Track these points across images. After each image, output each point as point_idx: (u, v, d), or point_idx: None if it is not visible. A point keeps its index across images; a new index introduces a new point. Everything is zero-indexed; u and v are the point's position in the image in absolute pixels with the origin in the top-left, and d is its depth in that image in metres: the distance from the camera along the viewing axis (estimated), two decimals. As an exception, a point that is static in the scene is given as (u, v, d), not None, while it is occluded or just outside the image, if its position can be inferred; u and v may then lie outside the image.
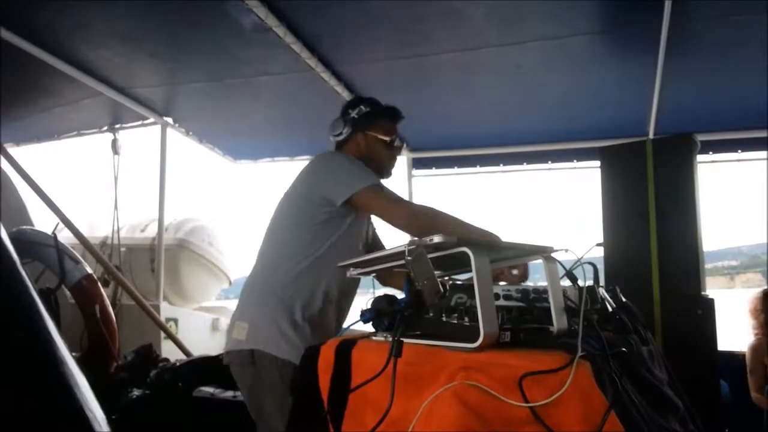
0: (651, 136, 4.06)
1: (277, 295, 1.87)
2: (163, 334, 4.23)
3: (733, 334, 3.94)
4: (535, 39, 3.01)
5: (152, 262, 4.95)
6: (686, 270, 3.09)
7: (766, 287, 3.62)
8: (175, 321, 4.71)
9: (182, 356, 3.96)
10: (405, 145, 4.81)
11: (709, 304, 2.99)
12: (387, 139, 2.11)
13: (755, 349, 3.52)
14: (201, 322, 5.22)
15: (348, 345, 1.38)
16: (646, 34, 2.87)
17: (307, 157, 5.12)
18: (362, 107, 2.12)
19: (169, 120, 4.36)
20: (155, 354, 3.42)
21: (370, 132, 2.09)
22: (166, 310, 4.62)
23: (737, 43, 3.00)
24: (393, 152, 2.16)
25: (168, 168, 4.53)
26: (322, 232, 1.90)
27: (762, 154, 4.33)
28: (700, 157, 3.38)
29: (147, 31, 2.98)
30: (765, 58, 3.13)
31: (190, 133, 4.60)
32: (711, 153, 4.37)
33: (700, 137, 3.33)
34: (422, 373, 1.18)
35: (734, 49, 3.07)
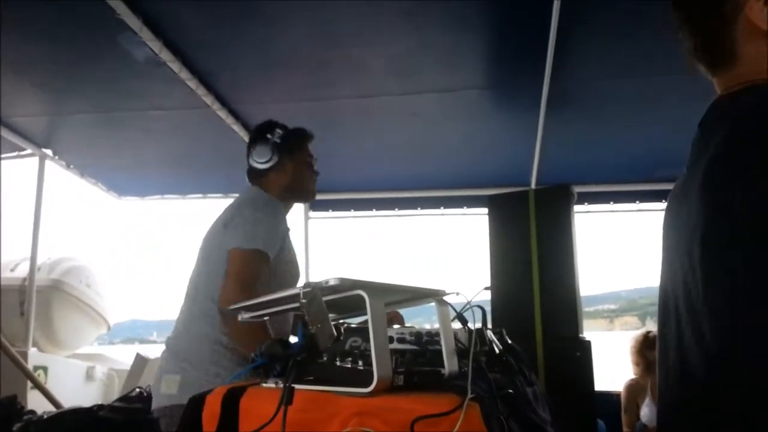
0: (533, 186, 4.33)
1: (209, 342, 1.80)
2: (30, 384, 3.85)
3: (612, 374, 4.20)
4: (430, 90, 3.15)
5: (22, 305, 4.52)
6: (565, 313, 3.28)
7: (645, 329, 3.90)
8: (45, 369, 4.31)
9: (51, 408, 3.62)
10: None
11: (587, 346, 3.18)
12: (310, 159, 2.13)
13: (630, 388, 3.76)
14: (74, 371, 4.81)
15: (236, 393, 1.32)
16: (529, 91, 3.08)
17: (199, 195, 4.97)
18: (278, 129, 2.08)
19: (48, 152, 4.08)
20: (20, 406, 3.11)
21: (295, 155, 2.08)
22: (34, 357, 4.22)
23: (611, 102, 3.29)
24: (315, 173, 2.18)
25: (47, 203, 4.22)
26: None
27: (632, 206, 4.74)
28: (577, 207, 3.65)
29: (32, 58, 2.80)
30: (636, 118, 3.47)
31: (71, 166, 4.32)
32: (587, 204, 4.71)
33: (577, 188, 3.61)
34: (315, 420, 1.15)
35: (609, 108, 3.36)
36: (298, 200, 2.21)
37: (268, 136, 2.07)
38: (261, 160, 2.06)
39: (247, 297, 1.77)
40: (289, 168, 2.07)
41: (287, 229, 2.00)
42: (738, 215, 0.83)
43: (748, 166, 0.83)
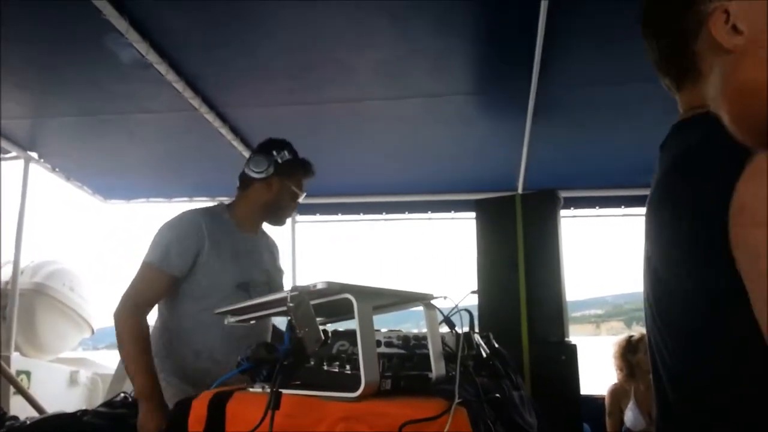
0: (520, 191, 4.35)
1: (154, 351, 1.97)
2: (12, 389, 3.80)
3: (598, 378, 4.22)
4: (417, 95, 3.16)
5: (4, 309, 4.46)
6: (551, 317, 3.30)
7: (628, 333, 3.92)
8: (28, 374, 4.25)
9: (35, 413, 3.57)
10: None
11: (572, 349, 3.20)
12: (299, 192, 2.20)
13: (614, 392, 3.77)
14: (58, 376, 4.75)
15: (222, 397, 1.32)
16: (515, 96, 3.10)
17: (186, 199, 4.94)
18: (286, 152, 2.16)
19: (34, 155, 4.03)
20: (2, 411, 3.06)
21: (286, 180, 2.15)
22: (17, 362, 4.16)
23: (597, 109, 3.31)
24: (295, 205, 2.25)
25: (32, 207, 4.17)
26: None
27: (617, 210, 4.79)
28: (563, 212, 3.68)
29: (15, 60, 2.77)
30: (622, 124, 3.50)
31: (57, 169, 4.28)
32: (572, 208, 4.74)
33: (563, 194, 3.63)
34: (302, 424, 1.15)
35: (595, 114, 3.39)
36: (269, 221, 2.28)
37: (274, 152, 2.15)
38: (255, 169, 2.13)
39: (130, 305, 1.95)
40: (275, 187, 2.15)
41: (215, 241, 2.04)
42: (672, 244, 0.86)
43: (677, 204, 0.85)
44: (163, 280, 1.97)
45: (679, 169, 0.87)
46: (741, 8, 0.82)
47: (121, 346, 1.93)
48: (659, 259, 0.90)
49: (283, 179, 2.14)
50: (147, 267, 1.98)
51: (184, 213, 2.07)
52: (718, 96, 0.83)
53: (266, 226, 2.33)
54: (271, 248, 2.35)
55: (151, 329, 2.01)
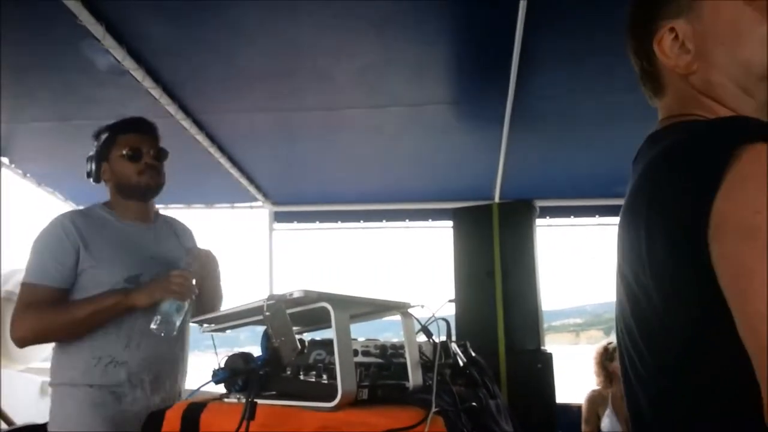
0: (497, 200, 4.39)
1: None
2: (-21, 401, 3.70)
3: (576, 387, 4.26)
4: (395, 104, 3.18)
5: (-28, 318, 4.35)
6: (528, 326, 3.33)
7: (606, 341, 3.97)
8: (-5, 385, 4.15)
9: (3, 425, 3.49)
10: (265, 197, 4.77)
11: (548, 358, 3.23)
12: (125, 152, 1.91)
13: (591, 399, 3.82)
14: (27, 386, 4.64)
15: (196, 408, 1.30)
16: (493, 106, 3.13)
17: (161, 206, 4.86)
18: (102, 135, 1.96)
19: (5, 160, 3.96)
20: (-33, 424, 2.98)
21: (111, 155, 1.94)
22: (-16, 372, 4.06)
23: (572, 119, 3.36)
24: (140, 165, 1.93)
25: (5, 213, 4.08)
26: None
27: (592, 220, 4.86)
28: (538, 221, 3.72)
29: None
30: (596, 135, 3.55)
31: (28, 174, 4.20)
32: (548, 217, 4.80)
33: (539, 203, 3.68)
34: (277, 435, 1.14)
35: (570, 124, 3.44)
36: (135, 198, 1.98)
37: (95, 144, 1.97)
38: (88, 175, 1.98)
39: (16, 322, 1.80)
40: (108, 172, 1.96)
41: (92, 239, 1.84)
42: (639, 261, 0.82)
43: (650, 216, 0.80)
44: (50, 295, 1.78)
45: (650, 180, 0.83)
46: (687, 26, 0.85)
47: (56, 330, 1.78)
48: (630, 270, 0.86)
49: (109, 157, 1.94)
50: (28, 289, 1.80)
51: (53, 220, 1.87)
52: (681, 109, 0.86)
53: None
54: (177, 233, 2.11)
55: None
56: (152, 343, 1.82)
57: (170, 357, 1.90)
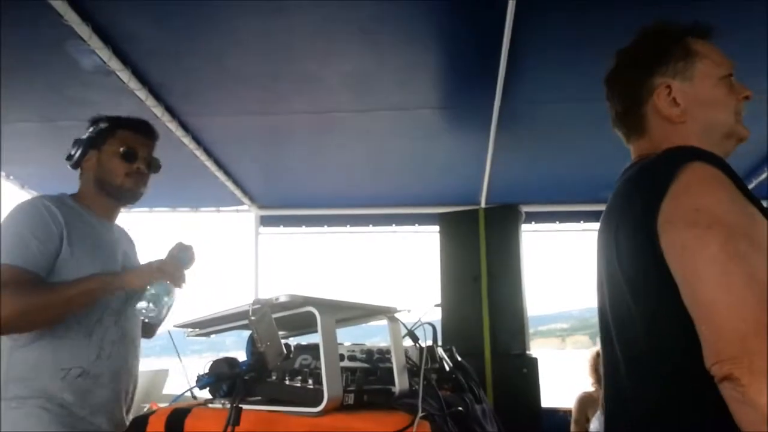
0: (483, 205, 4.41)
1: None
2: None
3: (562, 391, 4.29)
4: (383, 108, 3.18)
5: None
6: (513, 331, 3.34)
7: (598, 347, 4.02)
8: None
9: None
10: (252, 201, 4.75)
11: (533, 362, 3.24)
12: (120, 149, 1.83)
13: (582, 400, 3.87)
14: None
15: (181, 414, 1.28)
16: (480, 112, 3.14)
17: (146, 209, 4.84)
18: (101, 124, 1.87)
19: (-14, 162, 3.90)
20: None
21: (105, 147, 1.84)
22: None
23: (558, 125, 3.38)
24: (131, 167, 1.85)
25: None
26: None
27: (576, 225, 4.89)
28: (524, 226, 3.74)
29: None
30: (581, 141, 3.58)
31: (11, 177, 4.14)
32: (534, 223, 4.83)
33: (525, 208, 3.70)
34: (262, 440, 1.13)
35: (556, 130, 3.46)
36: (113, 197, 1.89)
37: (90, 129, 1.88)
38: (66, 157, 1.87)
39: (15, 297, 1.54)
40: (93, 161, 1.85)
41: (62, 229, 1.69)
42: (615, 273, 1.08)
43: (619, 222, 1.06)
44: (32, 280, 1.59)
45: (619, 196, 1.11)
46: (680, 87, 1.13)
47: (41, 311, 1.57)
48: (606, 271, 1.12)
49: (101, 147, 1.84)
50: (7, 269, 1.56)
51: (31, 200, 1.72)
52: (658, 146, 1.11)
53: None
54: (131, 239, 2.03)
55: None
56: (122, 353, 1.74)
57: (134, 370, 1.82)
